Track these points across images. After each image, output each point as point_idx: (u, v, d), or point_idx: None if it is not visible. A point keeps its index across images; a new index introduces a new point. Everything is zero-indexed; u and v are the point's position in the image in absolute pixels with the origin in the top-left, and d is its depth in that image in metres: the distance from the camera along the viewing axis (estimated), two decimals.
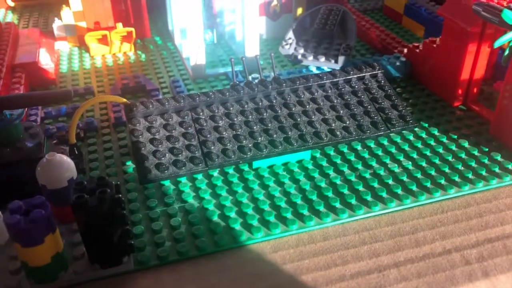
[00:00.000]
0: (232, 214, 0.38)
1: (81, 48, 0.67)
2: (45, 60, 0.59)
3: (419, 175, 0.42)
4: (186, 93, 0.45)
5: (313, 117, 0.44)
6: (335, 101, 0.45)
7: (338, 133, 0.43)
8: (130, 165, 0.44)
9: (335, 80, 0.47)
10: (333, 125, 0.43)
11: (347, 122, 0.44)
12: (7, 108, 0.39)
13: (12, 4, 0.81)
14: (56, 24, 0.65)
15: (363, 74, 0.48)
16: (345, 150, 0.46)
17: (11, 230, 0.30)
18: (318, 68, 0.58)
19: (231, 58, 0.48)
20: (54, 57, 0.61)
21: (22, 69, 0.55)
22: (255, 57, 0.49)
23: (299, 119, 0.44)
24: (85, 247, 0.33)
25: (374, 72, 0.48)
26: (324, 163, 0.44)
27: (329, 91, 0.46)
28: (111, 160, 0.45)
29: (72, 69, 0.62)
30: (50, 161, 0.35)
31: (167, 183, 0.42)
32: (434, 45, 0.54)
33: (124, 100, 0.43)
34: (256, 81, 0.46)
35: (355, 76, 0.47)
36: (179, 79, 0.58)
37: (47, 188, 0.35)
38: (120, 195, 0.32)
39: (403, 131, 0.48)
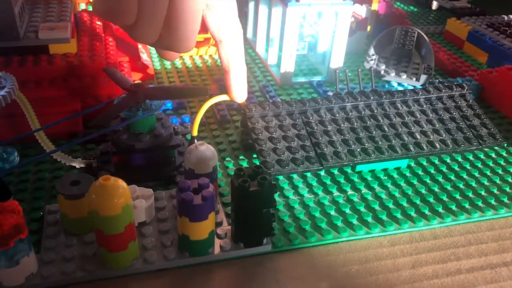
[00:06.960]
0: (347, 210, 0.43)
1: None
2: (144, 56, 0.63)
3: (508, 189, 0.47)
4: (294, 99, 0.49)
5: (412, 128, 0.48)
6: (431, 116, 0.50)
7: (437, 145, 0.47)
8: (243, 159, 0.48)
9: (428, 96, 0.51)
10: (432, 137, 0.48)
11: (444, 136, 0.48)
12: (151, 98, 0.43)
13: None
14: None
15: (453, 93, 0.52)
16: (436, 161, 0.50)
17: (185, 205, 0.34)
18: (399, 84, 0.63)
19: (337, 70, 0.52)
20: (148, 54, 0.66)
21: (126, 64, 0.60)
22: (337, 71, 0.54)
23: (400, 129, 0.48)
24: (235, 227, 0.37)
25: (463, 92, 0.52)
26: (420, 172, 0.48)
27: (424, 106, 0.51)
28: (225, 153, 0.49)
29: (165, 66, 0.66)
30: (200, 148, 0.39)
31: (280, 177, 0.46)
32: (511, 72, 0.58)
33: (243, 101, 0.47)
34: (356, 92, 0.51)
35: (446, 94, 0.52)
36: (268, 84, 0.62)
37: (194, 172, 0.39)
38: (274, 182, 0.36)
39: (485, 148, 0.52)
